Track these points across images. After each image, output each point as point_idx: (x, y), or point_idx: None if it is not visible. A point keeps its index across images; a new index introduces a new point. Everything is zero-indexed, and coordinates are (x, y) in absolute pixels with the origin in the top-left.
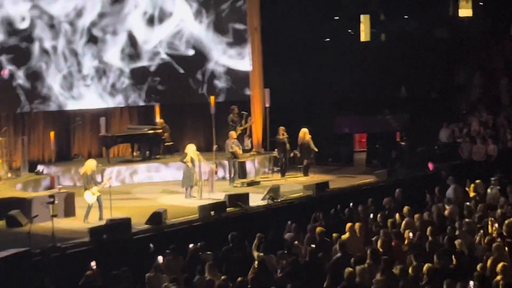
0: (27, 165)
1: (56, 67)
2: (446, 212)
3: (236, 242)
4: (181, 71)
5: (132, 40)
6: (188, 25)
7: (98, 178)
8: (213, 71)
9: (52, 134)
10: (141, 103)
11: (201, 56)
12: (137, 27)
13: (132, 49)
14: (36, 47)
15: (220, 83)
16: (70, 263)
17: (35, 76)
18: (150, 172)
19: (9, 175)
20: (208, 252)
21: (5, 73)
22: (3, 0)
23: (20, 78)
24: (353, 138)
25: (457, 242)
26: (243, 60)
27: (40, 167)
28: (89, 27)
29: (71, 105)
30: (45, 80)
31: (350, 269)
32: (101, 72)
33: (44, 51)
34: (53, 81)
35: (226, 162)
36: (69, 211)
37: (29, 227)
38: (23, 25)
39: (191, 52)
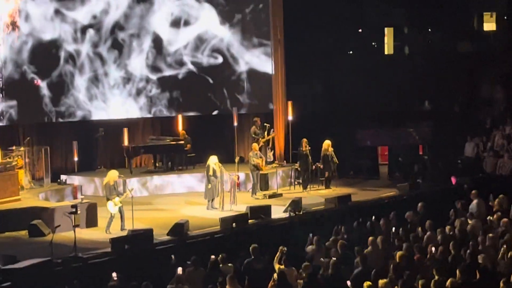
0: (50, 175)
1: (79, 77)
2: (469, 227)
3: (258, 254)
4: (206, 81)
5: (156, 50)
6: (212, 35)
7: (120, 189)
8: (236, 82)
9: (75, 144)
10: (164, 114)
11: (224, 68)
12: (162, 37)
13: (156, 59)
14: (60, 57)
15: (242, 95)
16: (91, 273)
17: (59, 86)
18: (172, 183)
19: (32, 184)
20: (229, 264)
21: (38, 82)
22: (31, 13)
23: (44, 88)
24: (376, 151)
25: (480, 256)
26: (266, 73)
27: (63, 177)
28: (113, 36)
29: (94, 115)
30: (69, 90)
31: (369, 283)
32: (125, 82)
33: (68, 61)
34: (77, 91)
35: (248, 174)
36: (91, 221)
37: (51, 237)
38: (48, 36)
39: (214, 64)
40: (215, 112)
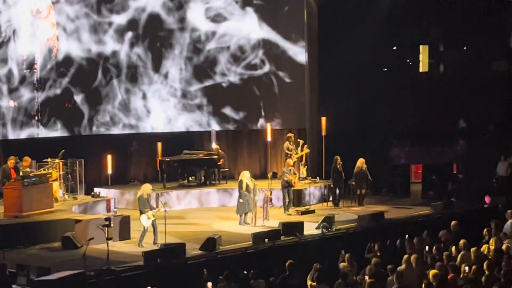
0: (84, 188)
1: (115, 91)
2: (503, 246)
3: (293, 270)
4: (240, 96)
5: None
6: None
7: (153, 203)
8: (271, 98)
9: (109, 157)
10: (198, 128)
11: (259, 83)
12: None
13: (193, 73)
14: (98, 70)
15: (277, 111)
16: (124, 286)
17: (95, 99)
18: (205, 197)
19: (66, 197)
20: (260, 280)
21: (69, 105)
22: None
23: (81, 100)
24: (409, 169)
25: None
26: (300, 88)
27: (96, 190)
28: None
29: (128, 129)
30: (105, 103)
31: None
32: (160, 96)
33: (105, 74)
34: (112, 104)
35: (281, 190)
36: (124, 235)
37: (85, 249)
38: (87, 49)
39: (248, 78)
40: (249, 128)
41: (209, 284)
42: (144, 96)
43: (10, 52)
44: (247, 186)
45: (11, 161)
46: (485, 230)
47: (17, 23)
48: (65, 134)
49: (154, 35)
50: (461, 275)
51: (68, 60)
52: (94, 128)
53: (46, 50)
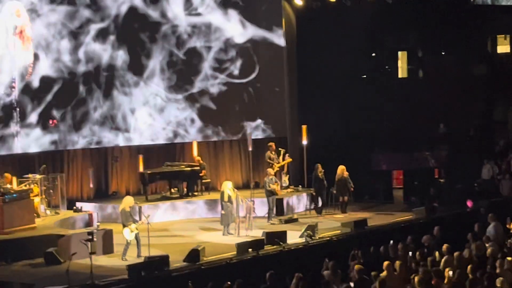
0: (65, 202)
1: (95, 106)
2: (486, 250)
3: (273, 281)
4: (219, 107)
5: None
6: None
7: (136, 215)
8: (250, 107)
9: (90, 171)
10: (179, 140)
11: (238, 93)
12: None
13: (173, 84)
14: (77, 85)
15: (256, 120)
16: None
17: (75, 115)
18: (188, 209)
19: (48, 212)
20: None
21: (54, 122)
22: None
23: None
24: (391, 175)
25: (498, 280)
26: (280, 96)
27: (78, 204)
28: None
29: (109, 142)
30: (85, 117)
31: None
32: (141, 109)
33: (84, 88)
34: (92, 118)
35: (264, 199)
36: (108, 248)
37: (68, 264)
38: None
39: (227, 90)
40: (230, 138)
41: None
42: (125, 109)
43: None
44: (229, 197)
45: None
46: (469, 234)
47: None
48: (46, 149)
49: (133, 44)
50: (445, 279)
51: (45, 78)
52: (76, 142)
53: (22, 68)
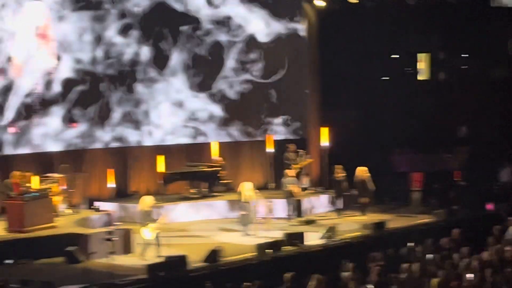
0: (86, 202)
1: (117, 104)
2: (506, 253)
3: (291, 282)
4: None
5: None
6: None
7: (156, 215)
8: (271, 108)
9: (110, 171)
10: (200, 139)
11: (259, 93)
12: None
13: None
14: (98, 84)
15: (277, 121)
16: None
17: (97, 112)
18: (207, 209)
19: (68, 211)
20: None
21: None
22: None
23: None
24: (411, 177)
25: None
26: (301, 98)
27: (98, 204)
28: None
29: (130, 142)
30: (107, 116)
31: None
32: (163, 108)
33: (110, 88)
34: (115, 117)
35: (283, 200)
36: (127, 248)
37: (87, 263)
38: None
39: (248, 89)
40: (250, 139)
41: None
42: (147, 107)
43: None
44: (249, 197)
45: (15, 177)
46: (489, 237)
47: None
48: (67, 148)
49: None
50: (464, 283)
51: (68, 77)
52: (98, 141)
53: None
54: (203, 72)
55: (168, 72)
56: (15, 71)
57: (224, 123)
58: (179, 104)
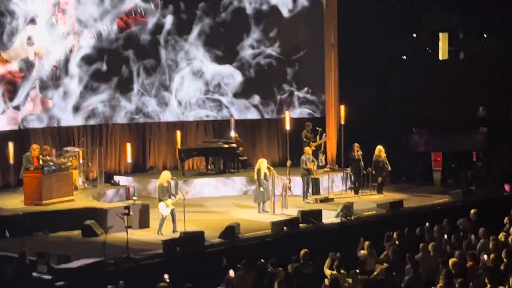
0: (103, 176)
1: (136, 80)
2: None
3: (307, 259)
4: (259, 85)
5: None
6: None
7: (173, 191)
8: (289, 87)
9: (128, 145)
10: (217, 117)
11: (276, 72)
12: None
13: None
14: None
15: (295, 99)
16: (143, 274)
17: (115, 88)
18: (224, 185)
19: (86, 185)
20: (280, 268)
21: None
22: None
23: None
24: (430, 157)
25: None
26: (319, 76)
27: (116, 178)
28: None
29: (146, 118)
30: (127, 92)
31: None
32: (179, 84)
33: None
34: (132, 93)
35: (300, 178)
36: (144, 223)
37: (104, 237)
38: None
39: (266, 67)
40: (267, 116)
41: (231, 271)
42: (165, 84)
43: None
44: (265, 174)
45: (36, 150)
46: (506, 218)
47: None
48: (86, 123)
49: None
50: (480, 263)
51: (88, 52)
52: (117, 115)
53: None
54: (224, 43)
55: (190, 41)
56: (36, 49)
57: (243, 96)
58: (199, 76)
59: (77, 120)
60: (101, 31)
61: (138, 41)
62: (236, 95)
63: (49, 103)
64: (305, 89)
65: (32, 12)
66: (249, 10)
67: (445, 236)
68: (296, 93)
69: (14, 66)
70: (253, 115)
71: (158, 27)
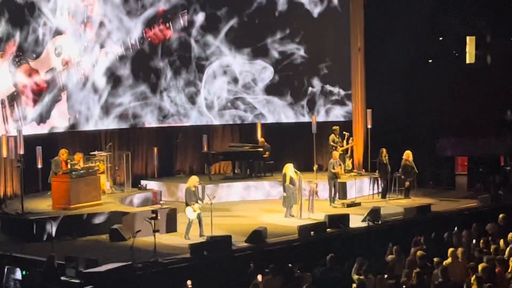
0: (130, 180)
1: (164, 84)
2: None
3: (333, 264)
4: (285, 89)
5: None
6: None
7: (200, 195)
8: (315, 90)
9: (155, 149)
10: (244, 121)
11: (303, 76)
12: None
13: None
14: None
15: (322, 103)
16: (171, 278)
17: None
18: (251, 189)
19: (113, 189)
20: (307, 273)
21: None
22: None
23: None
24: (455, 161)
25: None
26: (345, 81)
27: (143, 182)
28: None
29: (175, 121)
30: (154, 96)
31: None
32: (207, 90)
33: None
34: (161, 97)
35: (327, 182)
36: (171, 227)
37: (132, 241)
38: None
39: (293, 69)
40: (294, 120)
41: (259, 276)
42: (192, 89)
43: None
44: (292, 179)
45: (64, 155)
46: None
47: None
48: (113, 127)
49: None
50: (509, 268)
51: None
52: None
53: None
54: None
55: (219, 40)
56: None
57: (272, 96)
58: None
59: (104, 124)
60: (129, 40)
61: (166, 46)
62: (266, 93)
63: (77, 109)
64: (332, 92)
65: (61, 24)
66: (279, 7)
67: (474, 241)
68: (322, 96)
69: (42, 75)
70: (280, 118)
71: (187, 26)
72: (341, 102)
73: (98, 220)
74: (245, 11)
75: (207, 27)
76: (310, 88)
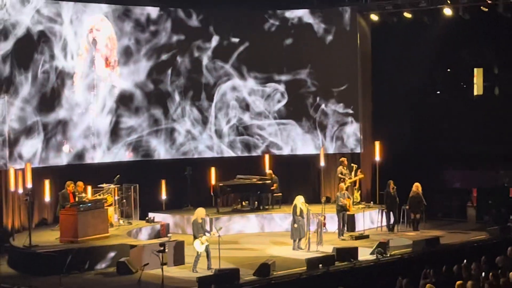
0: (138, 213)
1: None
2: None
3: None
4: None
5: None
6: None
7: (207, 227)
8: (322, 121)
9: (163, 182)
10: (251, 153)
11: (311, 106)
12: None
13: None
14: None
15: (329, 135)
16: None
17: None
18: (258, 222)
19: (121, 222)
20: None
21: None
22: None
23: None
24: (468, 193)
25: None
26: (353, 112)
27: (151, 215)
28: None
29: (182, 154)
30: (162, 129)
31: None
32: (212, 122)
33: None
34: (169, 130)
35: (335, 215)
36: (179, 260)
37: (140, 274)
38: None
39: (302, 103)
40: (302, 152)
41: None
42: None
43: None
44: (301, 211)
45: (70, 187)
46: None
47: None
48: (120, 159)
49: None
50: None
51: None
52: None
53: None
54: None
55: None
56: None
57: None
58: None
59: (111, 157)
60: (138, 67)
61: (176, 73)
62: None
63: (85, 142)
64: (340, 125)
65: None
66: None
67: (483, 273)
68: (331, 128)
69: None
70: (286, 150)
71: (197, 53)
72: (349, 135)
73: (105, 253)
74: (256, 37)
75: (217, 53)
76: (317, 119)
